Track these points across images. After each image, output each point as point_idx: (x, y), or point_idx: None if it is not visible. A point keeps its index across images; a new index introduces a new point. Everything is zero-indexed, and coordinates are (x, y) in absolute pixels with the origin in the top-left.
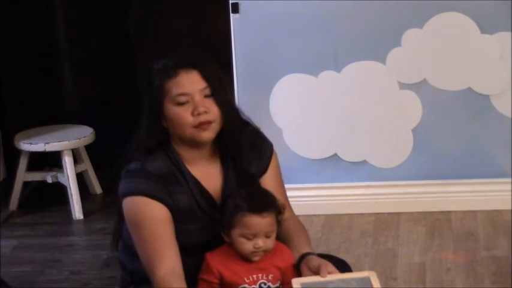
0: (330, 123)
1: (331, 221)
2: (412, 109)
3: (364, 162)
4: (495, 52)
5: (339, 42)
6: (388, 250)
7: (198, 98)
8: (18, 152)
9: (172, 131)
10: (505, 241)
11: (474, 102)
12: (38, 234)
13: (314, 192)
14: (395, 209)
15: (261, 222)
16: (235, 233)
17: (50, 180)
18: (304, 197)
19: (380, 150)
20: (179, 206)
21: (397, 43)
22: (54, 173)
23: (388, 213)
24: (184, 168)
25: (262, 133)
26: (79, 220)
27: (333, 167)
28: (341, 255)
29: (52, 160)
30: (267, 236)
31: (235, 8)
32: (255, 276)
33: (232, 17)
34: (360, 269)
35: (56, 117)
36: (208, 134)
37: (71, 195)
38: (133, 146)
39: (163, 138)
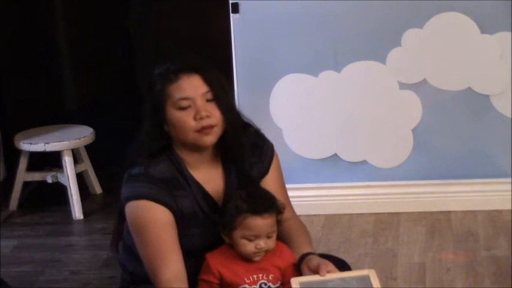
0: (330, 123)
1: (331, 221)
2: (412, 109)
3: (364, 162)
4: (495, 52)
5: (339, 42)
6: (388, 250)
7: (200, 102)
8: (18, 152)
9: (174, 136)
10: (505, 241)
11: (474, 102)
12: (38, 234)
13: (314, 192)
14: (395, 209)
15: (262, 223)
16: (237, 234)
17: (50, 180)
18: (304, 197)
19: (380, 150)
20: (182, 210)
21: (397, 43)
22: (54, 173)
23: (388, 213)
24: (187, 173)
25: (263, 134)
26: (79, 220)
27: (333, 167)
28: (341, 255)
29: (52, 160)
30: (268, 237)
31: (235, 8)
32: (255, 276)
33: (232, 17)
34: (360, 269)
35: (56, 117)
36: (211, 138)
37: (71, 195)
38: (135, 150)
39: (165, 143)
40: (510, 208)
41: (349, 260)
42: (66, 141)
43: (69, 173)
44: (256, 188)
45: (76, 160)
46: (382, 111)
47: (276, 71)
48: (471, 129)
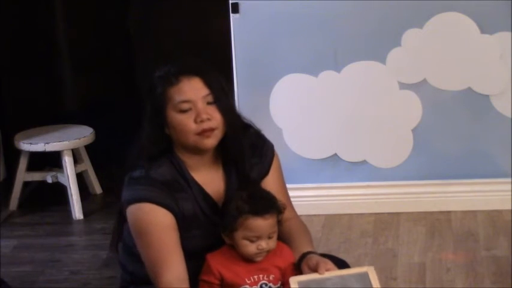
0: (330, 123)
1: (331, 221)
2: (412, 109)
3: (364, 162)
4: (495, 52)
5: (339, 42)
6: (388, 250)
7: (200, 105)
8: (18, 152)
9: (175, 138)
10: (505, 241)
11: (474, 102)
12: (38, 234)
13: (314, 192)
14: (395, 209)
15: (264, 224)
16: (238, 235)
17: (50, 180)
18: (304, 197)
19: (380, 150)
20: (184, 212)
21: (397, 43)
22: (54, 173)
23: (388, 213)
24: (188, 175)
25: (263, 135)
26: (79, 220)
27: (333, 167)
28: (341, 255)
29: (52, 160)
30: (269, 237)
31: (235, 8)
32: (256, 276)
33: (232, 17)
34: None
35: (56, 117)
36: (211, 141)
37: (71, 195)
38: (136, 153)
39: (166, 145)
40: (510, 208)
41: (349, 260)
42: (66, 141)
43: (69, 173)
44: (256, 188)
45: (76, 160)
46: (382, 111)
47: (276, 71)
48: (471, 129)
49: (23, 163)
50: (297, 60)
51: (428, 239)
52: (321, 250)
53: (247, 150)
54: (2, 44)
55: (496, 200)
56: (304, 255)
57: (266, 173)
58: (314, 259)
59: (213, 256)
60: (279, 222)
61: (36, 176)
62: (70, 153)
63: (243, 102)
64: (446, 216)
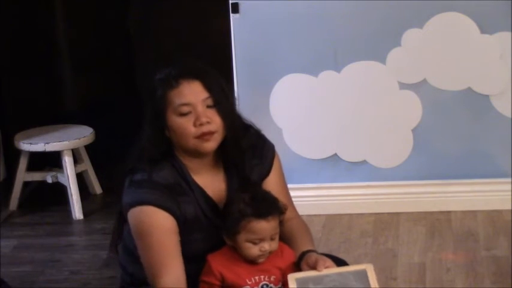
0: (330, 123)
1: (331, 221)
2: (412, 109)
3: (364, 162)
4: (495, 52)
5: (339, 42)
6: (388, 250)
7: (200, 108)
8: (18, 152)
9: (175, 141)
10: (505, 241)
11: (474, 102)
12: (38, 234)
13: (314, 192)
14: (395, 209)
15: (267, 226)
16: (241, 238)
17: (50, 180)
18: (304, 197)
19: (380, 150)
20: (186, 216)
21: (397, 43)
22: (54, 173)
23: (388, 213)
24: (190, 178)
25: (263, 135)
26: (79, 220)
27: (333, 167)
28: (341, 255)
29: (52, 160)
30: (272, 239)
31: (235, 8)
32: (257, 277)
33: (232, 17)
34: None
35: (56, 117)
36: (211, 145)
37: (71, 195)
38: (136, 155)
39: (166, 148)
40: (510, 208)
41: (349, 260)
42: (66, 141)
43: (69, 173)
44: (258, 190)
45: (76, 160)
46: (382, 111)
47: (276, 71)
48: (471, 129)
49: (23, 163)
50: (297, 60)
51: (428, 239)
52: (321, 250)
53: (247, 152)
54: (2, 44)
55: (496, 200)
56: (303, 254)
57: (267, 173)
58: (313, 257)
59: (213, 257)
60: (281, 223)
61: (36, 176)
62: (70, 153)
63: (243, 102)
64: (446, 216)
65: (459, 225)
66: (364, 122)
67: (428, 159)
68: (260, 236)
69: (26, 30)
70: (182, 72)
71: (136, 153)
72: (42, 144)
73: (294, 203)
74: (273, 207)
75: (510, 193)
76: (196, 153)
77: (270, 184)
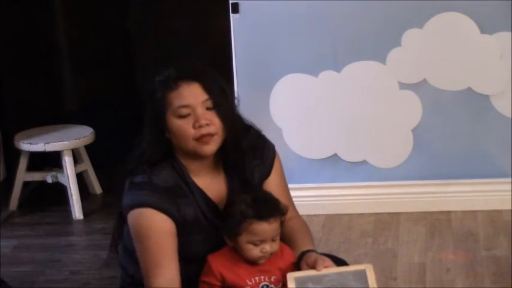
0: (330, 123)
1: (331, 221)
2: (412, 109)
3: (364, 162)
4: (495, 52)
5: (339, 42)
6: (388, 250)
7: (200, 110)
8: (18, 152)
9: (175, 143)
10: (505, 241)
11: (474, 102)
12: (38, 234)
13: (314, 192)
14: (395, 209)
15: (268, 228)
16: (242, 239)
17: (50, 180)
18: (304, 197)
19: (380, 150)
20: (186, 218)
21: (397, 43)
22: (54, 173)
23: (388, 213)
24: (190, 180)
25: (264, 136)
26: (79, 220)
27: (333, 167)
28: (341, 255)
29: (52, 160)
30: (273, 240)
31: (235, 8)
32: (257, 278)
33: (232, 17)
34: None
35: (56, 117)
36: (210, 148)
37: (71, 195)
38: (136, 157)
39: (167, 150)
40: (510, 208)
41: (349, 260)
42: (66, 141)
43: (69, 173)
44: (259, 192)
45: (76, 160)
46: (382, 111)
47: (276, 71)
48: (471, 129)
49: (23, 163)
50: (297, 60)
51: (428, 239)
52: (321, 250)
53: (248, 153)
54: (2, 44)
55: (496, 200)
56: (303, 254)
57: (268, 174)
58: (313, 256)
59: (214, 257)
60: (282, 224)
61: (36, 176)
62: (70, 153)
63: (243, 102)
64: (446, 216)
65: (459, 225)
66: (364, 122)
67: (428, 159)
68: (261, 238)
69: (26, 30)
70: (182, 74)
71: (136, 155)
72: (42, 144)
73: (294, 203)
74: (274, 208)
75: (510, 193)
76: (196, 156)
77: (271, 185)
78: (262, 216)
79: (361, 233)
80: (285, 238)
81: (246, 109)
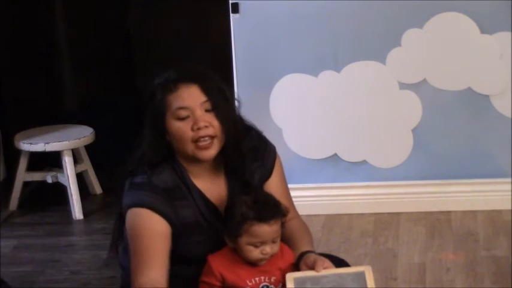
0: (330, 123)
1: (331, 221)
2: (412, 109)
3: (364, 162)
4: (495, 52)
5: (339, 42)
6: (388, 250)
7: (199, 112)
8: (18, 152)
9: (175, 146)
10: (505, 241)
11: (474, 102)
12: (38, 234)
13: (314, 192)
14: (395, 209)
15: (269, 230)
16: (243, 241)
17: (50, 180)
18: (304, 197)
19: (380, 150)
20: (184, 220)
21: (397, 43)
22: (54, 173)
23: (388, 213)
24: (190, 182)
25: (265, 137)
26: (79, 220)
27: (333, 167)
28: (341, 255)
29: (52, 160)
30: (274, 241)
31: (235, 8)
32: (257, 278)
33: (232, 17)
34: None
35: (56, 117)
36: (210, 153)
37: (71, 195)
38: (137, 158)
39: (167, 152)
40: (510, 208)
41: (349, 260)
42: (66, 141)
43: (69, 173)
44: (260, 193)
45: (76, 160)
46: (382, 111)
47: (276, 71)
48: (471, 129)
49: (23, 163)
50: (297, 60)
51: (428, 239)
52: (320, 250)
53: (248, 155)
54: (2, 44)
55: (496, 200)
56: (302, 254)
57: (268, 176)
58: (312, 257)
59: (214, 258)
60: (282, 225)
61: (36, 176)
62: (70, 153)
63: (243, 102)
64: (446, 216)
65: (459, 225)
66: (364, 122)
67: (428, 159)
68: (262, 240)
69: (26, 30)
70: (181, 76)
71: (136, 156)
72: (42, 144)
73: (294, 203)
74: (275, 210)
75: (510, 193)
76: (196, 159)
77: (272, 186)
78: (263, 218)
79: (361, 233)
80: (285, 239)
81: (246, 109)
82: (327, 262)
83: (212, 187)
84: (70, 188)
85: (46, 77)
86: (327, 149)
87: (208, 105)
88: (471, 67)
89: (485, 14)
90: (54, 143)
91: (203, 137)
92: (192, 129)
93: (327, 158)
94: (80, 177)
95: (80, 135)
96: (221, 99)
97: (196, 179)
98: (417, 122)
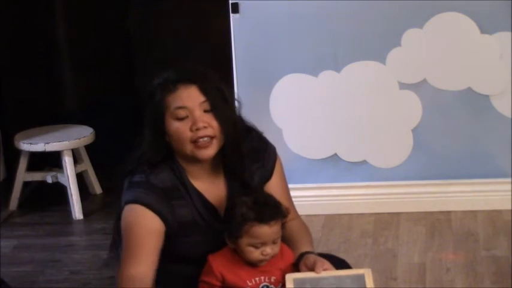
0: (330, 123)
1: (331, 221)
2: (412, 109)
3: (364, 162)
4: (495, 52)
5: (339, 42)
6: (388, 250)
7: (197, 113)
8: (18, 152)
9: (174, 147)
10: (505, 241)
11: (474, 102)
12: (38, 234)
13: (314, 192)
14: (395, 209)
15: (269, 231)
16: (243, 242)
17: (50, 180)
18: (304, 197)
19: (380, 150)
20: (181, 219)
21: (397, 43)
22: (54, 173)
23: (388, 213)
24: (188, 182)
25: (265, 138)
26: (79, 220)
27: (333, 167)
28: (341, 256)
29: (52, 160)
30: (274, 242)
31: (235, 8)
32: (257, 279)
33: (232, 17)
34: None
35: (56, 117)
36: (208, 152)
37: (71, 195)
38: (137, 158)
39: (166, 152)
40: (510, 208)
41: (349, 260)
42: (66, 141)
43: (69, 173)
44: (261, 194)
45: (76, 160)
46: (382, 111)
47: (276, 71)
48: (471, 129)
49: (23, 163)
50: (297, 60)
51: (428, 239)
52: (320, 250)
53: (248, 156)
54: (2, 44)
55: (496, 200)
56: (302, 255)
57: (269, 177)
58: (312, 258)
59: (214, 257)
60: (282, 226)
61: (36, 176)
62: (70, 153)
63: (243, 103)
64: (446, 216)
65: (459, 225)
66: (364, 122)
67: (428, 159)
68: (262, 241)
69: (26, 30)
70: (180, 76)
71: (136, 156)
72: (42, 144)
73: (294, 203)
74: (275, 211)
75: (510, 193)
76: (195, 159)
77: (272, 187)
78: (263, 219)
79: (361, 233)
80: (284, 239)
81: (246, 109)
82: (327, 263)
83: (211, 188)
84: (70, 188)
85: (46, 77)
86: (327, 149)
87: (207, 106)
88: (471, 67)
89: (485, 14)
90: (54, 143)
91: (202, 137)
92: (191, 130)
93: (327, 158)
94: (80, 177)
95: (80, 135)
96: (220, 99)
97: (195, 179)
98: (417, 122)
